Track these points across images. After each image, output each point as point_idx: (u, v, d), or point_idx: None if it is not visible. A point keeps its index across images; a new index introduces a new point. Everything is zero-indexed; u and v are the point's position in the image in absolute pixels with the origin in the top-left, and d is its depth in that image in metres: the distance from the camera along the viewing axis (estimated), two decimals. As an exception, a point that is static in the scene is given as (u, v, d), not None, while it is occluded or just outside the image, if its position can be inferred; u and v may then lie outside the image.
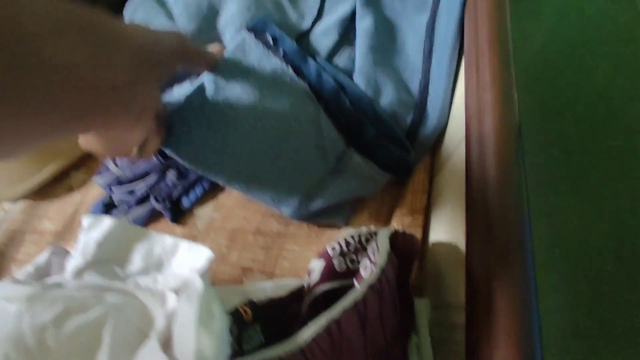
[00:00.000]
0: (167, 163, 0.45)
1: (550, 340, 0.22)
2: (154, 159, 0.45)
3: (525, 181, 0.25)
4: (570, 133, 0.41)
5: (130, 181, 0.47)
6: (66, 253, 0.38)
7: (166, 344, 0.20)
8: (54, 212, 0.54)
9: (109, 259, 0.32)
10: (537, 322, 0.21)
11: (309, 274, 0.31)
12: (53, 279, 0.31)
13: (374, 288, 0.20)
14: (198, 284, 0.20)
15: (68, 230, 0.51)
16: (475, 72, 0.33)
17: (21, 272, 0.37)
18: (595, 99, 0.43)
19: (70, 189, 0.56)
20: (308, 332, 0.18)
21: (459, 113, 0.35)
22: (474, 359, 0.22)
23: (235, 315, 0.25)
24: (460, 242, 0.28)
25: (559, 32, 0.51)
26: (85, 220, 0.34)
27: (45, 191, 0.56)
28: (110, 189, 0.48)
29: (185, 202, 0.44)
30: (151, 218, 0.45)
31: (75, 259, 0.31)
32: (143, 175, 0.46)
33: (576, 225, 0.34)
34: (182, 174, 0.45)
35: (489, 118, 0.28)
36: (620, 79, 0.43)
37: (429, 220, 0.38)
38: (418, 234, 0.36)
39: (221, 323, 0.17)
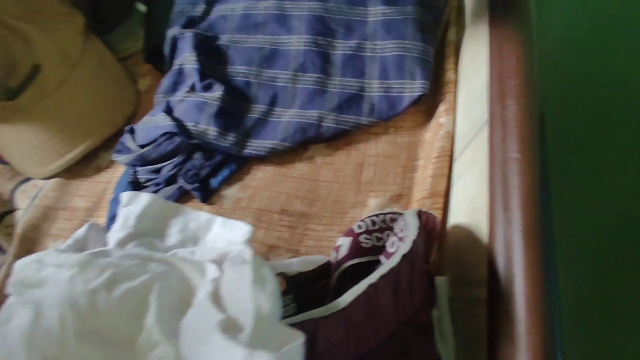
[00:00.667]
0: (193, 144, 0.46)
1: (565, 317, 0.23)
2: (178, 139, 0.46)
3: (547, 165, 0.27)
4: (587, 121, 0.42)
5: (156, 161, 0.49)
6: (101, 229, 0.40)
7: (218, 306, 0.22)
8: (84, 190, 0.56)
9: (148, 232, 0.34)
10: (557, 298, 0.22)
11: (337, 250, 0.33)
12: (99, 249, 0.33)
13: (407, 258, 0.22)
14: (246, 250, 0.22)
15: (98, 207, 0.54)
16: (499, 59, 0.34)
17: (61, 244, 0.39)
18: (613, 88, 0.43)
19: (99, 169, 0.58)
20: (349, 296, 0.20)
21: (482, 99, 0.36)
22: (495, 331, 0.24)
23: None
24: (482, 224, 0.30)
25: (579, 21, 0.51)
26: (124, 196, 0.36)
27: (75, 171, 0.58)
28: (134, 168, 0.50)
29: (214, 182, 0.46)
30: (179, 198, 0.47)
31: (117, 232, 0.34)
32: (169, 156, 0.48)
33: (589, 209, 0.35)
34: (208, 155, 0.47)
35: (513, 103, 0.29)
36: (639, 70, 0.44)
37: (449, 203, 0.39)
38: (438, 217, 0.38)
39: (273, 284, 0.18)
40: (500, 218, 0.26)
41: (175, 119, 0.47)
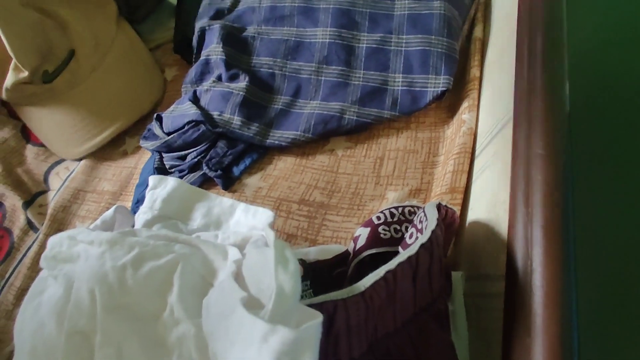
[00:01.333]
0: (217, 132, 0.48)
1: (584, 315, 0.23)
2: (204, 127, 0.48)
3: (572, 163, 0.27)
4: (613, 120, 0.41)
5: (181, 148, 0.50)
6: (128, 211, 0.42)
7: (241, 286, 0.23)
8: (110, 174, 0.58)
9: (173, 215, 0.36)
10: (575, 293, 0.22)
11: (355, 240, 0.33)
12: (128, 229, 0.35)
13: (426, 247, 0.22)
14: (269, 233, 0.23)
15: (124, 191, 0.56)
16: (526, 53, 0.34)
17: (89, 225, 0.41)
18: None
19: (125, 154, 0.60)
20: (369, 280, 0.20)
21: (507, 96, 0.36)
22: (511, 323, 0.24)
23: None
24: (502, 219, 0.30)
25: (609, 21, 0.50)
26: (152, 179, 0.37)
27: (103, 156, 0.60)
28: (160, 154, 0.52)
29: (235, 170, 0.47)
30: (202, 184, 0.48)
31: (144, 213, 0.35)
32: (194, 143, 0.49)
33: (611, 208, 0.35)
34: (231, 144, 0.48)
35: (539, 100, 0.29)
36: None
37: (468, 200, 0.39)
38: (457, 212, 0.38)
39: (295, 265, 0.19)
40: (521, 213, 0.26)
41: (201, 108, 0.48)
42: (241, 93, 0.47)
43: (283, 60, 0.50)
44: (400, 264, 0.21)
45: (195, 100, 0.50)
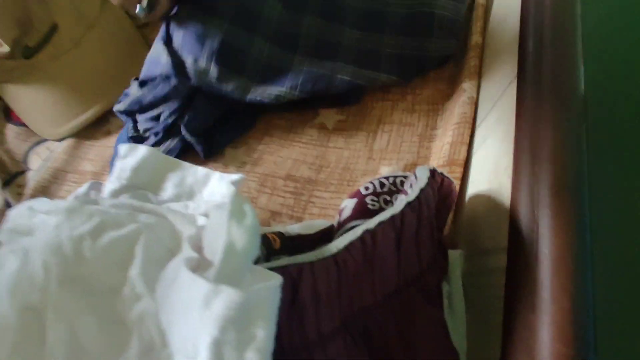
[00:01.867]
0: (191, 87, 0.42)
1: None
2: (174, 81, 0.41)
3: (585, 120, 0.23)
4: (628, 107, 0.37)
5: (152, 105, 0.44)
6: (98, 185, 0.39)
7: (197, 251, 0.20)
8: (93, 154, 0.56)
9: (143, 185, 0.32)
10: (590, 261, 0.19)
11: (340, 212, 0.30)
12: (90, 198, 0.32)
13: (413, 206, 0.19)
14: (230, 188, 0.20)
15: (105, 171, 0.53)
16: (533, 10, 0.31)
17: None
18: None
19: (109, 133, 0.57)
20: (342, 241, 0.17)
21: (511, 58, 0.32)
22: (513, 299, 0.21)
23: (264, 241, 0.25)
24: (504, 187, 0.27)
25: (626, 3, 0.46)
26: (122, 148, 0.34)
27: (85, 135, 0.58)
28: (134, 121, 0.47)
29: (220, 140, 0.43)
30: (181, 154, 0.44)
31: (111, 183, 0.32)
32: (165, 99, 0.43)
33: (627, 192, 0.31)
34: (211, 101, 0.42)
35: (548, 53, 0.26)
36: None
37: (468, 173, 0.36)
38: (455, 183, 0.35)
39: (252, 220, 0.16)
40: (527, 173, 0.22)
41: (172, 53, 0.42)
42: (219, 35, 0.41)
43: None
44: (381, 223, 0.17)
45: (167, 40, 0.43)
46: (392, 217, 0.18)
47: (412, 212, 0.19)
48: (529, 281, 0.19)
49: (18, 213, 0.32)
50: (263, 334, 0.13)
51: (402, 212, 0.18)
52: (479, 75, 0.40)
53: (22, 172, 0.57)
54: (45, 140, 0.59)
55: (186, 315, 0.15)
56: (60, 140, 0.58)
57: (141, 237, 0.27)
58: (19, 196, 0.54)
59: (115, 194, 0.32)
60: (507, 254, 0.22)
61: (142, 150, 0.33)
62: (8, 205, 0.54)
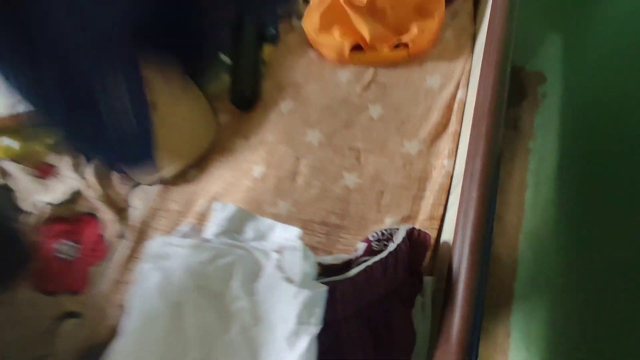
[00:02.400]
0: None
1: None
2: None
3: (494, 205, 0.41)
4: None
5: None
6: (196, 227, 0.59)
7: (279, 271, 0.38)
8: (176, 196, 0.76)
9: (233, 229, 0.52)
10: (484, 287, 0.36)
11: (356, 251, 0.48)
12: (204, 237, 0.51)
13: (392, 254, 0.37)
14: (298, 242, 0.38)
15: (188, 210, 0.73)
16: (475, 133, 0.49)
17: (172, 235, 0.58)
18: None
19: (187, 181, 0.78)
20: (357, 269, 0.35)
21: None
22: (445, 304, 0.38)
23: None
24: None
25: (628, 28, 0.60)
26: (218, 205, 0.54)
27: (170, 182, 0.78)
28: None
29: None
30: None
31: (214, 227, 0.52)
32: None
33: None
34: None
35: (479, 161, 0.44)
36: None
37: (443, 225, 0.53)
38: (434, 235, 0.52)
39: (312, 260, 0.34)
40: (460, 235, 0.40)
41: None
42: None
43: None
44: (375, 262, 0.36)
45: None
46: (381, 258, 0.36)
47: (392, 256, 0.37)
48: (453, 295, 0.37)
49: (155, 244, 0.52)
50: (319, 312, 0.32)
51: (387, 256, 0.36)
52: (455, 156, 0.58)
53: (126, 208, 0.77)
54: (140, 184, 0.80)
55: (284, 303, 0.33)
56: (151, 185, 0.79)
57: (237, 263, 0.46)
58: (127, 227, 0.74)
59: (217, 235, 0.51)
60: (446, 279, 0.39)
61: (231, 207, 0.53)
62: (121, 234, 0.74)
